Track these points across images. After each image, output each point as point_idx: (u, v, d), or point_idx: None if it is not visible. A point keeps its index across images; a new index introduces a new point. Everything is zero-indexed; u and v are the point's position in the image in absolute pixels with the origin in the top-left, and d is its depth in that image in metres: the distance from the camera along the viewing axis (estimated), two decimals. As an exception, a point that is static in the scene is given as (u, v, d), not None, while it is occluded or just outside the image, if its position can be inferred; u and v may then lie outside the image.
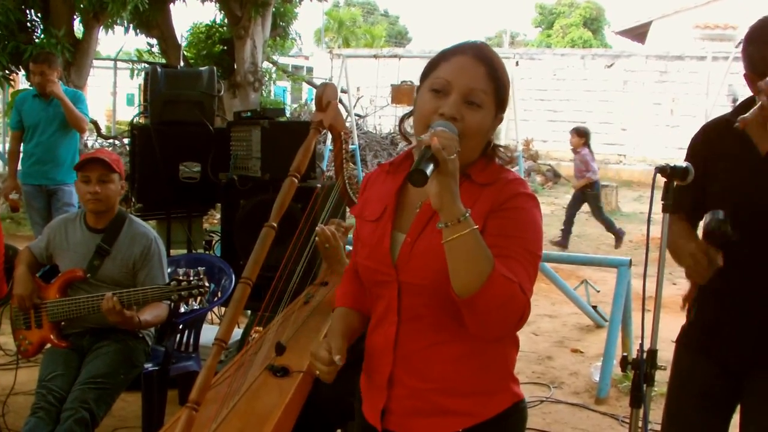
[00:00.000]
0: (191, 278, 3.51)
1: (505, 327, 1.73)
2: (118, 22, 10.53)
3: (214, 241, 5.86)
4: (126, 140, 11.85)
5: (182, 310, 4.13)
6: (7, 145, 7.71)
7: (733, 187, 2.42)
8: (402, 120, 2.06)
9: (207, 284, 3.55)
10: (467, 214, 1.63)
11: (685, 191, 2.32)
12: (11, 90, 11.13)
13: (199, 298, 3.58)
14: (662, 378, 2.61)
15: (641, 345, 2.32)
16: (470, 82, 1.81)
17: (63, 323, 3.67)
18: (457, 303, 1.68)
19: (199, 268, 3.58)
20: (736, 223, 2.28)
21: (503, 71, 1.87)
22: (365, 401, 2.04)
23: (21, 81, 13.21)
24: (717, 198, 2.41)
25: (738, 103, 2.52)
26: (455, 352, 1.86)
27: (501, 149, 1.96)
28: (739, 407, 2.55)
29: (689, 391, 2.60)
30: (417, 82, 1.95)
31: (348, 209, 3.34)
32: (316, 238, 3.23)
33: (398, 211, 1.95)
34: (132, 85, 16.55)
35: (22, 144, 6.34)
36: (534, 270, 1.78)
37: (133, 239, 3.73)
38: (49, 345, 3.66)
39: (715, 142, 2.51)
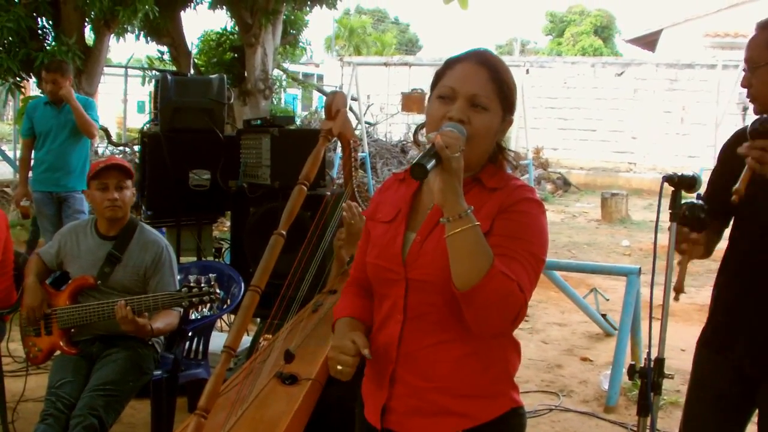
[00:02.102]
0: (202, 285, 3.51)
1: (501, 324, 1.77)
2: (128, 29, 10.55)
3: (223, 249, 5.88)
4: (136, 147, 11.90)
5: (193, 317, 4.13)
6: (19, 152, 7.73)
7: (749, 199, 2.41)
8: (416, 130, 2.12)
9: (218, 291, 3.56)
10: (469, 211, 1.69)
11: (716, 195, 2.36)
12: (22, 97, 11.17)
13: (209, 304, 3.59)
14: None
15: (648, 353, 2.33)
16: (473, 88, 1.88)
17: (73, 330, 3.67)
18: (457, 296, 1.73)
19: (210, 274, 3.57)
20: (749, 232, 2.29)
21: (506, 74, 1.94)
22: (366, 401, 2.07)
23: (32, 88, 13.27)
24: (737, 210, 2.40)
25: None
26: (457, 352, 1.90)
27: (509, 153, 2.02)
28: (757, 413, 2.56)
29: (706, 393, 2.63)
30: (427, 90, 2.03)
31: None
32: (344, 213, 3.20)
33: (411, 214, 2.01)
34: (143, 92, 16.64)
35: (33, 151, 6.38)
36: (535, 272, 1.82)
37: (144, 246, 3.75)
38: (58, 352, 3.67)
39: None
